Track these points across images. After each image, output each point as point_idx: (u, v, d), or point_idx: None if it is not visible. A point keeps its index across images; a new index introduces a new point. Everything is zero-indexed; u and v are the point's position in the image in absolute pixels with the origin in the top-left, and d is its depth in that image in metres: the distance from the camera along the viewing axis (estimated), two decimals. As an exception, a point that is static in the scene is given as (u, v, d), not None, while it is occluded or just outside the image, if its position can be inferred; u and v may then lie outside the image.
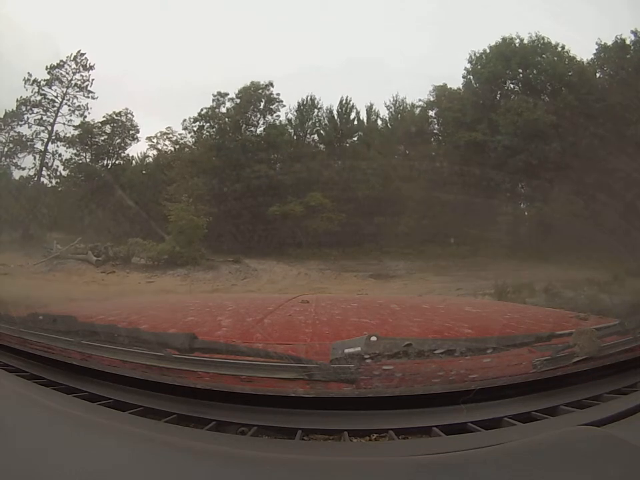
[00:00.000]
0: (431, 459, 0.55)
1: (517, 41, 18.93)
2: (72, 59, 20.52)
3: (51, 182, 20.46)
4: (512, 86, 18.94)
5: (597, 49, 17.93)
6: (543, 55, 18.36)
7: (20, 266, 13.55)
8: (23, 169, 20.11)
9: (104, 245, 14.60)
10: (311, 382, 0.69)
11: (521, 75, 18.68)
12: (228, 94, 20.01)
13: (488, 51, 19.26)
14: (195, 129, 20.15)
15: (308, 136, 20.83)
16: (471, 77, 19.64)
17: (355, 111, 20.79)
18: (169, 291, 10.06)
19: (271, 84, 19.84)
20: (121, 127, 21.22)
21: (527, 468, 0.53)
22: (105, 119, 20.83)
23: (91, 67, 20.68)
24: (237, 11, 33.27)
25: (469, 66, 19.71)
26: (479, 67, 19.35)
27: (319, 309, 1.45)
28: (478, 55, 19.51)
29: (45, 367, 0.85)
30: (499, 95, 18.62)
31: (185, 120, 20.12)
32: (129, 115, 21.20)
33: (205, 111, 19.93)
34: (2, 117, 19.97)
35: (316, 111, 20.93)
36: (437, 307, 1.65)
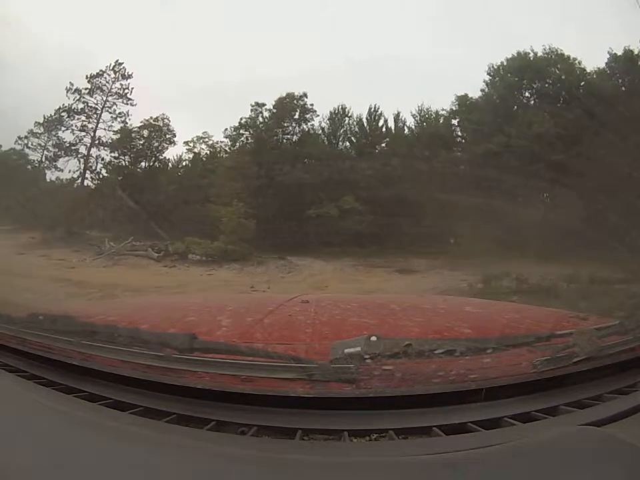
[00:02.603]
0: (430, 459, 0.55)
1: (531, 54, 19.32)
2: (111, 68, 22.01)
3: (93, 184, 22.06)
4: (527, 97, 19.42)
5: (608, 59, 18.19)
6: (557, 66, 18.72)
7: (81, 261, 14.95)
8: (61, 170, 22.00)
9: (163, 242, 16.24)
10: (310, 382, 0.69)
11: (535, 87, 19.12)
12: (265, 104, 21.69)
13: (505, 63, 19.77)
14: (235, 136, 22.01)
15: (340, 143, 22.40)
16: (489, 89, 20.18)
17: (383, 118, 21.95)
18: (228, 281, 12.24)
19: (305, 95, 21.45)
20: (158, 132, 22.78)
21: (527, 468, 0.53)
22: (142, 123, 22.47)
23: (129, 76, 22.16)
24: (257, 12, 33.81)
25: (487, 78, 20.25)
26: (497, 79, 19.93)
27: (318, 308, 1.45)
28: (496, 67, 20.04)
29: (45, 367, 0.85)
30: (515, 107, 19.09)
31: (226, 129, 22.05)
32: (166, 120, 22.75)
33: (244, 120, 21.79)
34: (41, 122, 21.66)
35: (347, 119, 22.37)
36: (437, 307, 1.64)
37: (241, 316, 1.35)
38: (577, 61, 18.73)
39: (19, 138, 22.02)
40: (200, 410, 0.70)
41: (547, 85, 18.83)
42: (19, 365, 0.88)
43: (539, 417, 0.68)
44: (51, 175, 22.91)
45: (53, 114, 21.75)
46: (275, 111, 21.49)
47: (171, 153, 24.95)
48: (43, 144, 22.06)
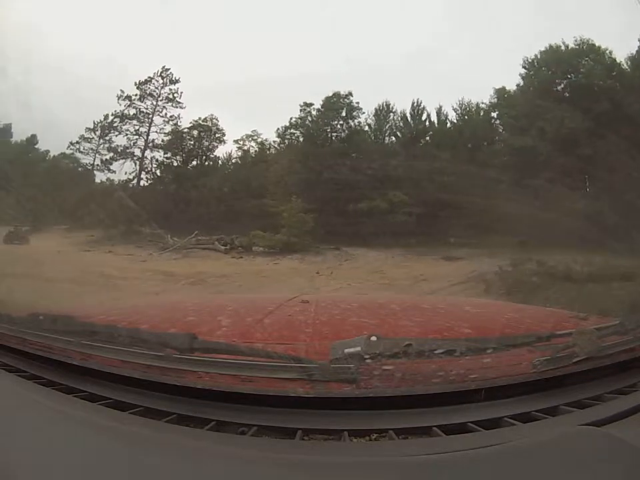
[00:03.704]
0: (431, 459, 0.55)
1: (562, 47, 19.27)
2: (158, 74, 23.50)
3: (148, 183, 23.74)
4: (560, 91, 19.32)
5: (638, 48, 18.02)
6: (587, 58, 18.62)
7: (149, 255, 16.18)
8: (114, 172, 23.69)
9: (229, 236, 17.35)
10: (310, 382, 0.69)
11: (567, 80, 19.11)
12: (313, 104, 22.46)
13: (539, 56, 19.76)
14: (286, 135, 23.09)
15: (386, 138, 23.05)
16: (524, 83, 20.22)
17: (425, 112, 22.38)
18: (294, 268, 13.58)
19: (351, 93, 22.00)
20: (207, 131, 23.82)
21: (527, 468, 0.53)
22: (192, 124, 23.64)
23: (177, 81, 23.58)
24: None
25: (523, 71, 20.23)
26: (531, 72, 19.92)
27: (318, 309, 1.45)
28: (530, 60, 20.00)
29: (45, 366, 0.85)
30: (548, 101, 18.98)
31: (278, 128, 23.02)
32: (214, 120, 23.84)
33: (294, 120, 22.66)
34: (92, 127, 23.55)
35: (391, 115, 22.96)
36: (437, 307, 1.64)
37: (240, 316, 1.35)
38: (607, 51, 18.60)
39: (71, 143, 23.84)
40: (200, 410, 0.69)
41: (579, 77, 18.72)
42: (19, 365, 0.88)
43: (538, 417, 0.68)
44: (102, 177, 24.53)
45: (102, 119, 23.59)
46: (322, 110, 22.31)
47: (221, 151, 26.07)
48: (94, 148, 23.91)
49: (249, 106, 32.74)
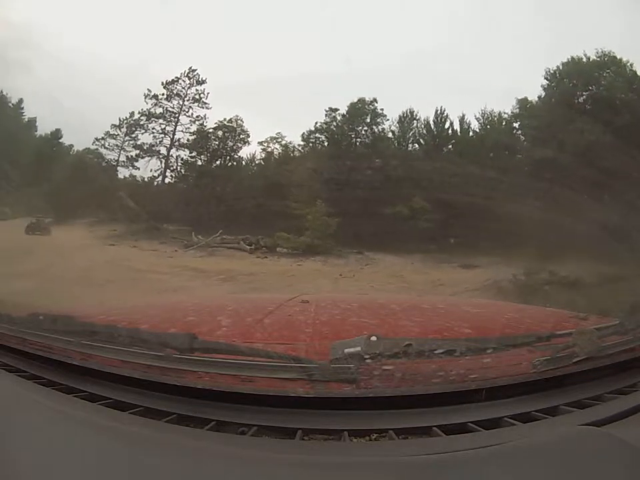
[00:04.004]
0: (430, 459, 0.55)
1: (584, 59, 19.31)
2: (185, 75, 23.93)
3: (173, 181, 24.38)
4: (581, 103, 19.33)
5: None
6: (608, 70, 18.67)
7: (174, 251, 16.78)
8: (138, 169, 24.34)
9: (255, 237, 17.98)
10: (311, 382, 0.69)
11: (589, 92, 19.12)
12: (338, 109, 22.95)
13: (561, 68, 19.86)
14: (311, 139, 23.65)
15: (410, 145, 23.48)
16: (545, 94, 20.33)
17: (448, 120, 22.66)
18: (318, 270, 13.97)
19: (375, 100, 22.57)
20: (232, 132, 24.17)
21: (527, 468, 0.53)
22: (217, 125, 24.10)
23: (203, 81, 24.03)
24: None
25: (544, 82, 20.32)
26: (553, 84, 20.04)
27: (318, 309, 1.44)
28: (552, 71, 20.10)
29: (45, 366, 0.85)
30: (570, 113, 19.05)
31: (303, 133, 23.56)
32: (239, 121, 24.25)
33: (319, 124, 23.23)
34: (117, 124, 24.16)
35: (415, 122, 23.35)
36: (437, 307, 1.64)
37: (240, 316, 1.35)
38: (629, 64, 18.58)
39: (96, 139, 24.49)
40: (200, 410, 0.69)
41: (600, 90, 18.75)
42: (19, 365, 0.88)
43: (538, 417, 0.68)
44: (125, 173, 25.13)
45: (127, 117, 24.22)
46: (347, 115, 22.84)
47: (245, 152, 26.53)
48: (119, 144, 24.57)
49: (271, 108, 33.88)
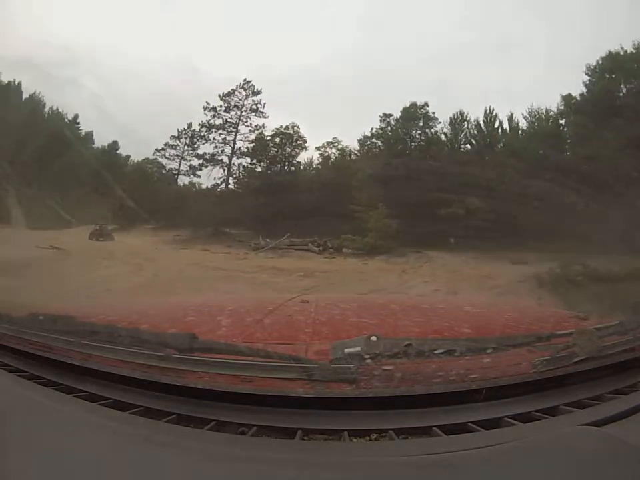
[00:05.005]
0: (430, 459, 0.55)
1: (622, 52, 19.26)
2: (240, 86, 25.62)
3: (236, 188, 25.96)
4: (623, 98, 19.29)
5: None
6: None
7: (245, 253, 17.89)
8: (199, 177, 26.35)
9: (322, 239, 19.10)
10: (311, 382, 0.69)
11: (629, 86, 19.12)
12: (392, 114, 24.20)
13: (600, 62, 19.85)
14: (367, 144, 25.07)
15: (462, 146, 24.15)
16: (587, 90, 20.36)
17: (497, 120, 23.42)
18: (382, 268, 14.64)
19: (427, 104, 23.67)
20: (289, 138, 25.77)
21: (527, 468, 0.53)
22: (274, 132, 25.71)
23: (258, 92, 25.54)
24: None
25: (586, 78, 20.33)
26: (594, 80, 20.00)
27: (319, 309, 1.45)
28: (592, 67, 20.11)
29: (45, 366, 0.85)
30: (611, 108, 19.05)
31: (360, 138, 25.01)
32: (296, 128, 25.86)
33: (375, 130, 24.54)
34: (176, 135, 26.25)
35: (465, 123, 24.19)
36: (437, 307, 1.65)
37: (240, 316, 1.35)
38: None
39: (157, 150, 26.63)
40: (200, 410, 0.69)
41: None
42: (19, 365, 0.88)
43: (538, 417, 0.68)
44: (186, 181, 27.23)
45: (185, 128, 26.24)
46: (401, 120, 23.99)
47: (302, 157, 27.67)
48: (179, 154, 26.60)
49: (325, 113, 35.43)
